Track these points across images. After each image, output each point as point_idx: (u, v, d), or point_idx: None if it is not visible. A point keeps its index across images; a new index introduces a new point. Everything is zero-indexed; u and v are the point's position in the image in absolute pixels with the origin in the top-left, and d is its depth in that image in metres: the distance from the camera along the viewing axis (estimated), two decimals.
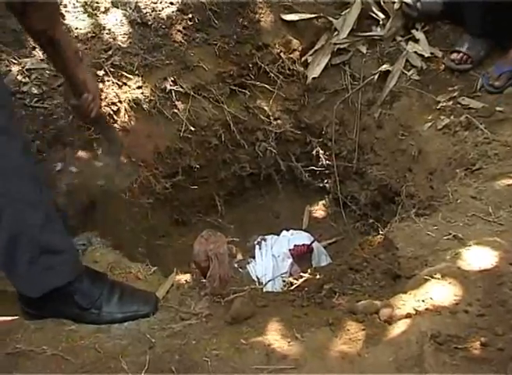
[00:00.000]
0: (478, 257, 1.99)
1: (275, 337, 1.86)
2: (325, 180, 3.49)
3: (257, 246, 3.14)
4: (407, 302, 1.89)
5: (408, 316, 1.84)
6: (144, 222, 2.99)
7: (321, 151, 3.40)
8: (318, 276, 2.28)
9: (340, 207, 3.42)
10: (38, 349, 1.79)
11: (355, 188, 3.40)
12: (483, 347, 1.71)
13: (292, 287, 2.32)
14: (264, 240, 3.14)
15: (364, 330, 1.84)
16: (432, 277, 1.96)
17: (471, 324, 1.78)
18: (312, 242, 2.89)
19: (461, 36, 3.24)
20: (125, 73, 2.99)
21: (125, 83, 2.99)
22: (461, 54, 3.16)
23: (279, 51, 3.30)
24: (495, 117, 2.86)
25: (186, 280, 2.15)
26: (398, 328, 1.81)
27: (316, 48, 3.36)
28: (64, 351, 1.80)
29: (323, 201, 3.54)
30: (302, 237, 3.04)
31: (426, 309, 1.84)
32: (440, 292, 1.89)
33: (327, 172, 3.46)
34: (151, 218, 3.05)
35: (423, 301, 1.87)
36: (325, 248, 3.15)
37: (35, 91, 2.85)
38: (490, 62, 3.15)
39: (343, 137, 3.36)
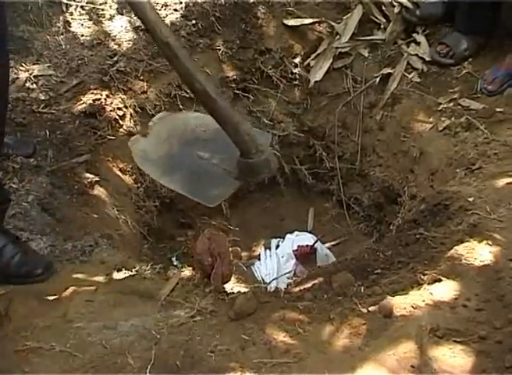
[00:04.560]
0: (478, 253, 2.03)
1: (277, 332, 1.89)
2: (329, 183, 3.52)
3: (262, 248, 3.18)
4: (407, 298, 1.93)
5: (408, 310, 1.88)
6: (150, 224, 3.02)
7: (324, 154, 3.43)
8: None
9: (344, 209, 3.45)
10: (47, 346, 1.84)
11: (358, 190, 3.43)
12: (482, 340, 1.75)
13: (296, 288, 2.36)
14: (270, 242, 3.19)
15: (365, 324, 1.88)
16: (432, 273, 2.00)
17: (469, 318, 1.82)
18: (315, 242, 2.93)
19: (451, 31, 3.29)
20: (130, 79, 3.04)
21: (130, 89, 3.04)
22: (448, 48, 3.21)
23: (281, 55, 3.34)
24: (495, 118, 2.89)
25: (190, 278, 2.19)
26: (398, 322, 1.85)
27: (318, 52, 3.40)
28: (72, 347, 1.84)
29: (327, 204, 3.57)
30: (306, 238, 3.07)
31: (426, 304, 1.88)
32: (440, 287, 1.93)
33: (330, 174, 3.49)
34: (156, 221, 3.08)
35: (423, 296, 1.91)
36: (329, 249, 3.18)
37: (42, 97, 2.90)
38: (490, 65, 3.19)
39: (346, 140, 3.40)
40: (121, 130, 2.98)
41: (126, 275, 2.20)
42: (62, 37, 3.11)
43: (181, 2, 3.24)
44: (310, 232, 3.27)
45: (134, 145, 2.32)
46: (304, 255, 2.92)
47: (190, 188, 2.24)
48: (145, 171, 2.33)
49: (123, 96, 3.01)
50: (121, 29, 3.14)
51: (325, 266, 2.73)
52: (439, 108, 3.09)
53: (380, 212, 3.29)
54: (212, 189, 2.23)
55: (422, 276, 2.02)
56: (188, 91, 3.14)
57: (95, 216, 2.62)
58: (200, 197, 2.26)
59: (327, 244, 3.24)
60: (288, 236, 3.17)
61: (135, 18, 3.16)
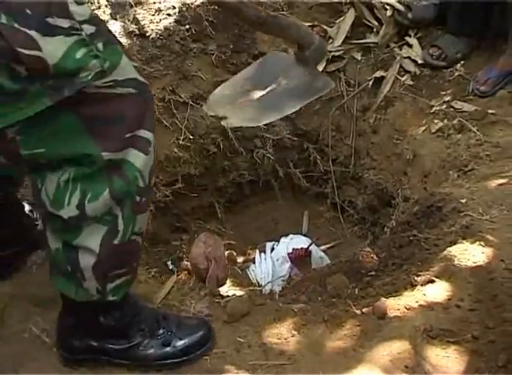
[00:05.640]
0: (470, 254, 2.05)
1: (272, 334, 1.91)
2: (323, 186, 3.52)
3: (257, 251, 3.18)
4: (401, 299, 1.94)
5: (402, 312, 1.89)
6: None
7: (318, 157, 3.43)
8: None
9: (338, 212, 3.46)
10: (43, 349, 1.85)
11: (352, 193, 3.43)
12: (475, 340, 1.77)
13: (290, 290, 2.37)
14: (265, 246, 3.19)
15: (358, 326, 1.90)
16: (425, 274, 2.02)
17: (462, 318, 1.84)
18: (310, 245, 2.94)
19: (443, 34, 3.32)
20: None
21: None
22: (440, 50, 3.23)
23: None
24: (487, 119, 2.91)
25: (186, 282, 2.20)
26: (392, 324, 1.87)
27: None
28: None
29: (321, 207, 3.58)
30: (301, 241, 3.08)
31: (419, 305, 1.90)
32: (433, 288, 1.95)
33: (324, 177, 3.49)
34: (151, 225, 3.09)
35: (416, 297, 1.93)
36: (324, 251, 3.19)
37: None
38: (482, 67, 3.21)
39: (340, 143, 3.41)
40: None
41: None
42: None
43: (174, 7, 3.24)
44: (304, 235, 3.28)
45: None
46: (299, 258, 2.93)
47: (302, 97, 2.20)
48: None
49: None
50: (115, 34, 3.13)
51: (320, 268, 2.75)
52: (432, 111, 3.10)
53: (374, 215, 3.30)
54: (315, 83, 2.19)
55: (416, 278, 2.03)
56: (182, 96, 3.15)
57: None
58: (319, 92, 2.23)
59: (322, 247, 3.25)
60: (283, 239, 3.17)
61: (128, 23, 3.17)
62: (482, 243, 2.08)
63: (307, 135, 3.47)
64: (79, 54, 1.33)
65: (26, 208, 2.25)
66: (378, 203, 3.27)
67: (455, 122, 2.95)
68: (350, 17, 3.42)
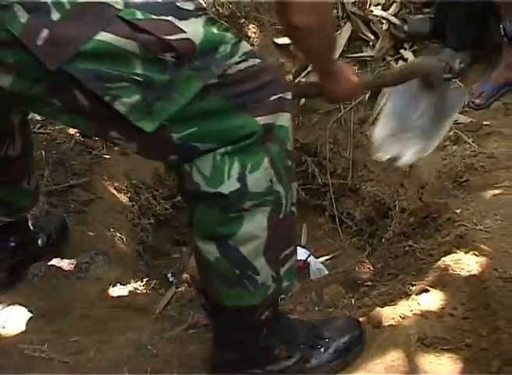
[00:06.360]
0: (464, 263, 2.07)
1: None
2: (321, 198, 3.55)
3: None
4: (396, 308, 1.97)
5: (397, 320, 1.92)
6: (145, 242, 3.05)
7: (316, 170, 3.46)
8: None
9: (336, 223, 3.49)
10: (43, 359, 1.87)
11: (350, 205, 3.46)
12: (468, 347, 1.79)
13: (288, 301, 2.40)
14: None
15: None
16: (420, 284, 2.05)
17: (456, 326, 1.86)
18: (308, 257, 2.96)
19: (442, 48, 3.37)
20: None
21: None
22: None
23: None
24: (482, 131, 2.95)
25: (185, 293, 2.23)
26: (387, 332, 1.88)
27: (309, 69, 3.45)
28: (69, 360, 1.88)
29: (320, 219, 3.60)
30: (299, 253, 3.09)
31: (414, 314, 1.92)
32: (427, 297, 1.97)
33: (323, 190, 3.52)
34: (152, 238, 3.11)
35: (411, 306, 1.95)
36: (322, 263, 3.21)
37: (38, 118, 2.94)
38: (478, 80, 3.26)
39: (337, 156, 3.44)
40: (115, 148, 3.01)
41: (122, 290, 2.24)
42: None
43: None
44: (303, 247, 3.29)
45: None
46: (298, 270, 2.94)
47: (447, 115, 2.22)
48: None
49: None
50: None
51: (317, 279, 2.77)
52: None
53: (372, 226, 3.32)
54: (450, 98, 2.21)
55: (411, 287, 2.06)
56: None
57: (91, 233, 2.65)
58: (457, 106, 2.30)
59: (320, 259, 3.26)
60: None
61: None
62: (476, 252, 2.10)
63: (305, 148, 3.50)
64: (214, 29, 1.36)
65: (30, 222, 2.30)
66: (375, 215, 3.29)
67: (451, 133, 2.98)
68: (346, 31, 3.48)
